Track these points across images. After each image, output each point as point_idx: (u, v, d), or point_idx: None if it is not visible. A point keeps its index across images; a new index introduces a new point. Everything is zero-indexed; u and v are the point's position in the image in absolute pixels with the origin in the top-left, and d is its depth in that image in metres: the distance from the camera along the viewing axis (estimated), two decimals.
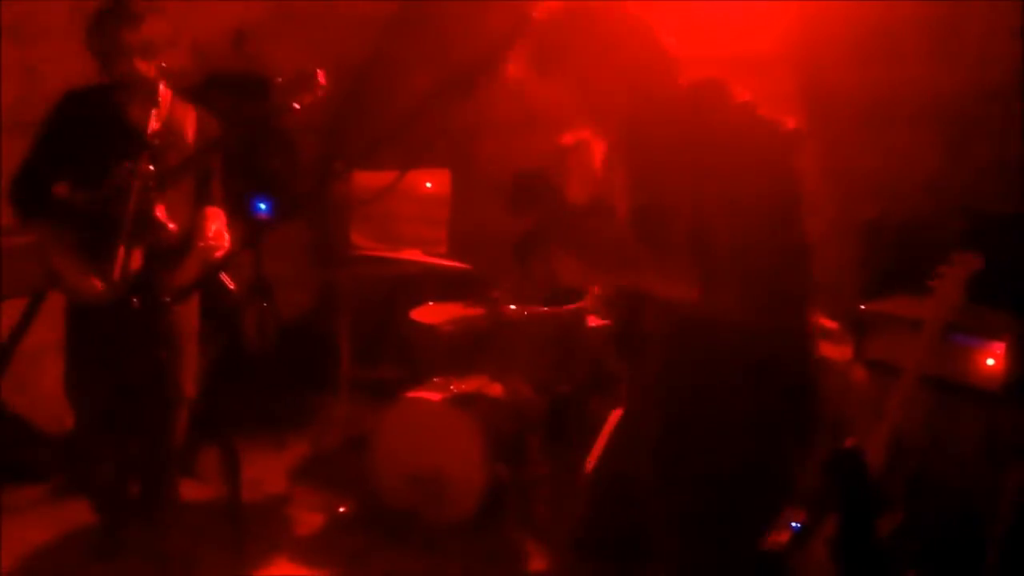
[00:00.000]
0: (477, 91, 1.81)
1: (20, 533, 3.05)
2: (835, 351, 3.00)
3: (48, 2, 3.27)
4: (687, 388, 1.73)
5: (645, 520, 1.83)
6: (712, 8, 3.61)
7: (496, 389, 3.55)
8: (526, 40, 1.79)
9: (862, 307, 3.01)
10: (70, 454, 3.05)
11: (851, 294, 3.23)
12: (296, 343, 4.29)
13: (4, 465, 3.36)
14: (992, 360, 2.69)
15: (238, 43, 3.93)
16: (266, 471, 3.70)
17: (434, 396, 3.38)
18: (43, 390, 3.20)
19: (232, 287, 2.21)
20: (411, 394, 3.42)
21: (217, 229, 2.47)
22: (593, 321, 3.52)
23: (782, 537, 2.00)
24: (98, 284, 2.32)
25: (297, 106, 2.18)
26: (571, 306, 3.50)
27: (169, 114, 2.53)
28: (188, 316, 2.65)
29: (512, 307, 3.50)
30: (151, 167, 2.37)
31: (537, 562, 3.15)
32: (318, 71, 2.18)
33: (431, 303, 3.85)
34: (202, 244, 2.43)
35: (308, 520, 3.41)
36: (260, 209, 3.78)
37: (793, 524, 2.05)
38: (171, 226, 2.42)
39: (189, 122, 2.57)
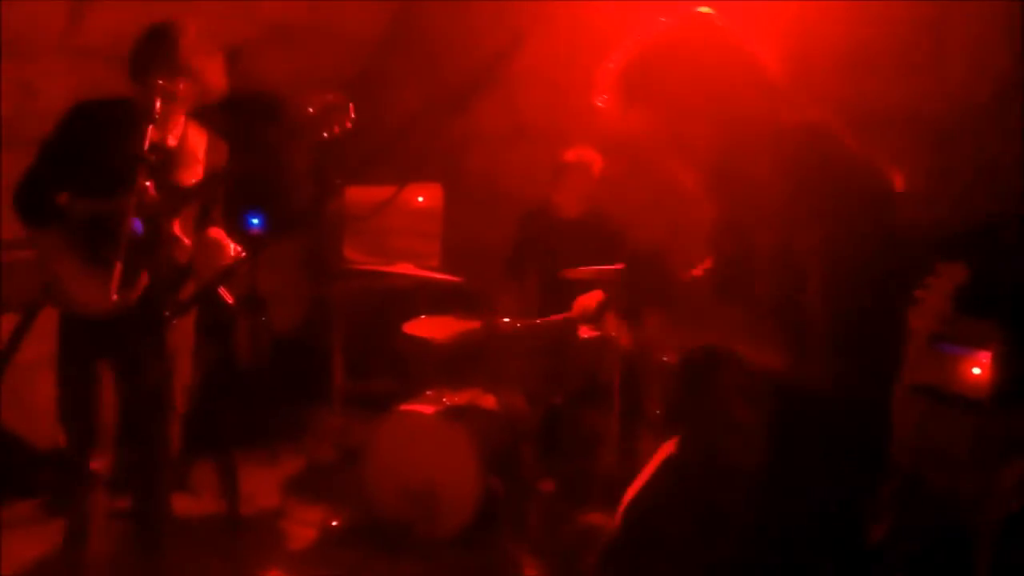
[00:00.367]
0: (469, 106, 1.76)
1: (16, 549, 3.04)
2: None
3: (44, 18, 3.30)
4: (765, 457, 1.58)
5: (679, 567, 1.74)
6: (746, 47, 3.66)
7: (489, 401, 3.57)
8: (614, 67, 1.66)
9: None
10: (60, 471, 3.04)
11: None
12: (290, 356, 4.30)
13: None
14: (978, 369, 2.73)
15: (232, 61, 3.95)
16: (259, 485, 3.70)
17: (427, 409, 3.39)
18: (36, 405, 3.20)
19: (230, 301, 2.22)
20: (404, 407, 3.43)
21: (235, 247, 2.50)
22: (585, 333, 3.54)
23: None
24: (99, 293, 2.32)
25: (326, 136, 2.18)
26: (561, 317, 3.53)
27: (184, 134, 2.56)
28: (184, 330, 2.67)
29: (505, 319, 3.52)
30: (159, 184, 2.39)
31: (530, 573, 3.16)
32: (349, 103, 2.17)
33: (424, 316, 3.87)
34: (231, 256, 2.43)
35: (301, 534, 3.41)
36: (253, 224, 3.79)
37: None
38: (187, 241, 2.45)
39: (202, 145, 2.60)
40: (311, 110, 2.19)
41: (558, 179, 3.84)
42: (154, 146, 2.35)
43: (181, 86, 2.43)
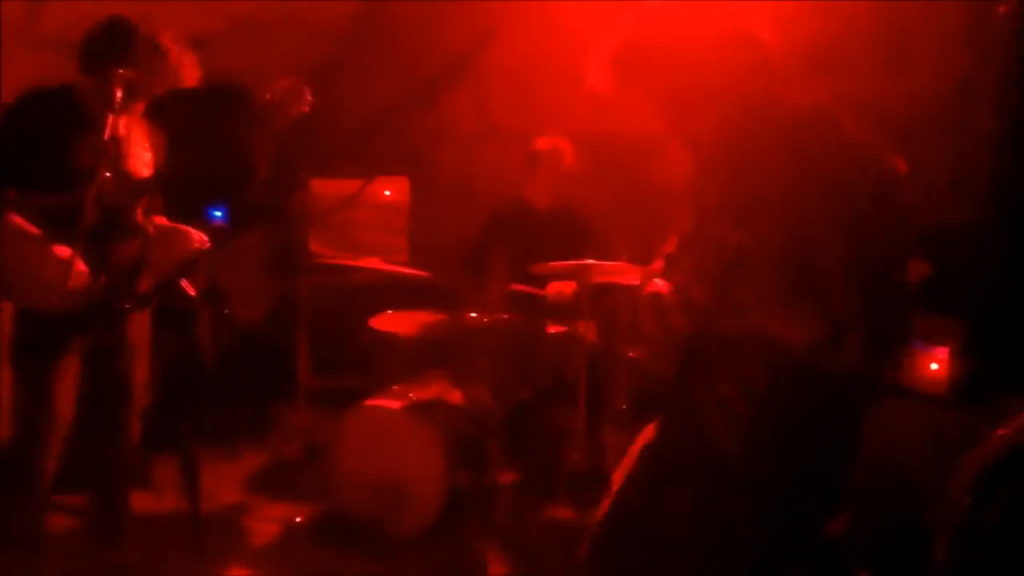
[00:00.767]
0: (437, 100, 1.75)
1: None
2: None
3: (5, 9, 3.23)
4: (772, 437, 1.57)
5: (668, 554, 1.71)
6: (747, 27, 3.69)
7: (456, 396, 3.56)
8: (609, 48, 1.63)
9: None
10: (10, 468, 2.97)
11: None
12: (254, 351, 4.26)
13: None
14: (936, 365, 2.78)
15: (196, 51, 3.90)
16: (221, 481, 3.65)
17: (393, 404, 3.38)
18: None
19: (192, 293, 2.20)
20: (370, 402, 3.41)
21: (194, 231, 2.48)
22: (553, 328, 3.55)
23: None
24: (58, 287, 2.27)
25: (284, 123, 2.17)
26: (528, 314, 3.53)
27: (130, 125, 2.53)
28: (140, 323, 2.64)
29: (472, 315, 3.52)
30: (115, 175, 2.35)
31: (497, 569, 3.16)
32: (305, 88, 2.17)
33: (391, 311, 3.85)
34: (196, 244, 2.40)
35: (265, 530, 3.38)
36: (215, 217, 3.74)
37: None
38: (151, 230, 2.42)
39: (146, 135, 2.57)
40: (268, 96, 2.18)
41: (530, 168, 3.86)
42: (112, 137, 2.31)
43: (141, 77, 2.39)
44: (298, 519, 3.42)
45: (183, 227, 2.56)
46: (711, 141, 1.62)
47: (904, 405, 2.77)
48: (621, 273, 3.35)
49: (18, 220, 2.35)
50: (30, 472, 2.49)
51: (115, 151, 2.37)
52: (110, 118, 2.29)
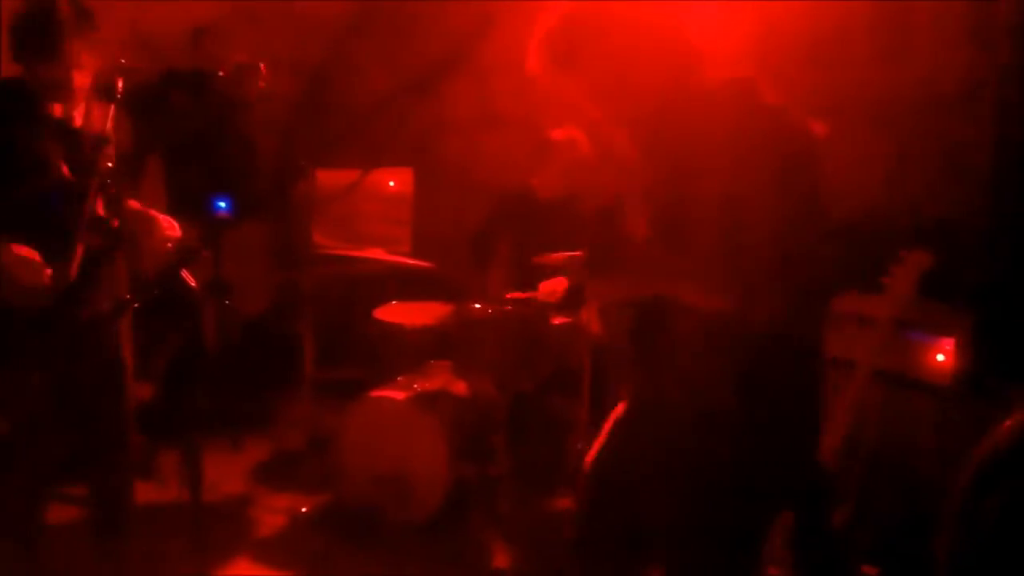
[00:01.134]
0: (439, 90, 1.76)
1: None
2: None
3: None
4: (713, 398, 1.64)
5: (647, 521, 1.78)
6: (667, 11, 3.66)
7: (460, 387, 3.56)
8: (543, 34, 1.72)
9: None
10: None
11: None
12: (258, 342, 4.26)
13: None
14: (942, 356, 2.77)
15: (197, 41, 3.89)
16: (225, 472, 3.66)
17: (398, 395, 3.38)
18: None
19: (193, 284, 2.18)
20: (375, 393, 3.41)
21: (165, 217, 2.42)
22: (556, 319, 3.54)
23: None
24: (31, 280, 2.23)
25: (244, 100, 2.13)
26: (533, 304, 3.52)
27: (88, 112, 2.46)
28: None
29: (476, 305, 3.51)
30: (73, 165, 2.30)
31: (501, 560, 3.16)
32: (259, 63, 2.14)
33: (395, 302, 3.85)
34: (167, 232, 2.36)
35: (270, 521, 3.39)
36: (219, 207, 3.73)
37: None
38: (115, 222, 2.37)
39: (107, 122, 2.50)
40: (221, 73, 2.15)
41: (541, 158, 3.82)
42: (62, 125, 2.27)
43: (86, 63, 2.34)
44: (303, 510, 3.42)
45: (152, 213, 2.49)
46: (642, 117, 1.73)
47: (909, 396, 2.76)
48: None
49: None
50: (20, 461, 2.46)
51: (72, 142, 2.32)
52: (61, 108, 2.24)
